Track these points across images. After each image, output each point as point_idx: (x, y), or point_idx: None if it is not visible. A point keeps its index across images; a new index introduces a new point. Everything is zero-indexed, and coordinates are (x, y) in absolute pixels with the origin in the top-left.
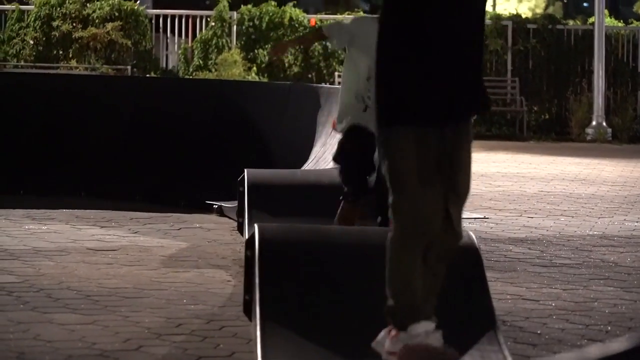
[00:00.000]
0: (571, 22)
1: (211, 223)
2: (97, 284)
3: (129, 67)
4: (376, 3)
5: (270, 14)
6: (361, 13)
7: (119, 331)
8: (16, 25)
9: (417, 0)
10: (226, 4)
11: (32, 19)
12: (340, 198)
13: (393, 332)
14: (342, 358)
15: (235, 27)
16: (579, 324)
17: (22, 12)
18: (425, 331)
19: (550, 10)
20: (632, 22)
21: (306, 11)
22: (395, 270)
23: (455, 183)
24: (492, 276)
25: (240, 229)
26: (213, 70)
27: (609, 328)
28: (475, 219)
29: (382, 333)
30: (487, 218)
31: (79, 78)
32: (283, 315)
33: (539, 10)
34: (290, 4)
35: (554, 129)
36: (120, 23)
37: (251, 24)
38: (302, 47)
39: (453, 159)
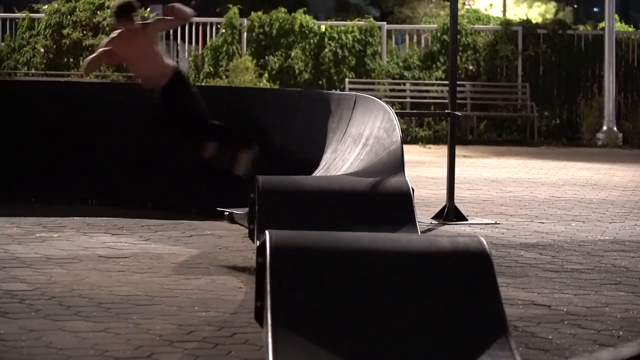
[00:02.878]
0: (581, 27)
1: (222, 230)
2: (108, 291)
3: None
4: (386, 9)
5: (281, 21)
6: (371, 19)
7: (131, 338)
8: (27, 33)
9: None
10: (236, 11)
11: (43, 27)
12: None
13: None
14: None
15: (245, 34)
16: (591, 329)
17: (33, 20)
18: None
19: (561, 15)
20: None
21: (316, 18)
22: None
23: None
24: (503, 282)
25: (252, 235)
26: (224, 77)
27: (621, 333)
28: (486, 225)
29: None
30: (499, 223)
31: (89, 86)
32: (294, 321)
33: (549, 16)
34: (301, 10)
35: (565, 134)
36: None
37: (261, 30)
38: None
39: None
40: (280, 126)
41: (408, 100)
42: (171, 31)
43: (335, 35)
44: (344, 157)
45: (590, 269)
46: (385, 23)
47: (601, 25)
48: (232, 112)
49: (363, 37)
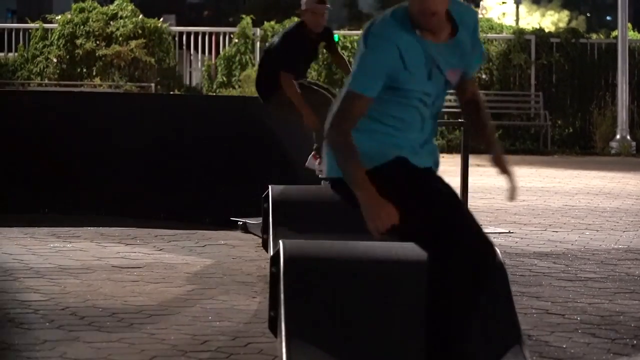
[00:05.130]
0: (594, 36)
1: (236, 240)
2: (122, 301)
3: (152, 85)
4: None
5: None
6: None
7: (145, 349)
8: (40, 43)
9: None
10: (249, 20)
11: (56, 37)
12: None
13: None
14: None
15: (258, 43)
16: (605, 338)
17: (46, 30)
18: None
19: (574, 24)
20: None
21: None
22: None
23: None
24: (517, 290)
25: (265, 245)
26: (237, 87)
27: (635, 342)
28: (499, 234)
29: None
30: (512, 232)
31: (102, 96)
32: (308, 331)
33: (562, 25)
34: None
35: (578, 143)
36: (144, 40)
37: None
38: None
39: None
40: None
41: None
42: (184, 40)
43: (348, 44)
44: None
45: (604, 277)
46: None
47: (614, 33)
48: (246, 122)
49: None
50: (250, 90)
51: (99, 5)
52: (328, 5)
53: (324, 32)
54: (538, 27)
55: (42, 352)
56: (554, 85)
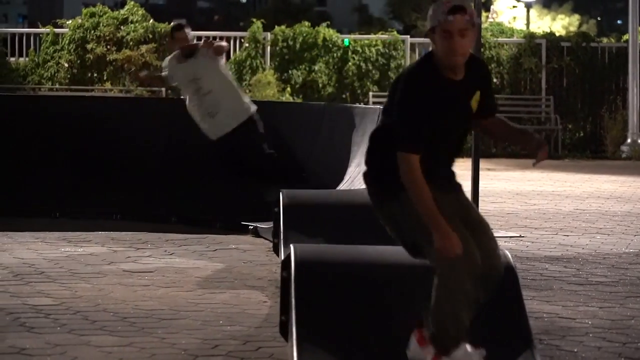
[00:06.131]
0: (605, 40)
1: (247, 244)
2: (133, 305)
3: (163, 89)
4: (409, 23)
5: (304, 35)
6: (395, 33)
7: (156, 353)
8: (51, 48)
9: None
10: (260, 25)
11: (67, 42)
12: None
13: (434, 356)
14: None
15: (269, 48)
16: (616, 342)
17: (57, 35)
18: (465, 352)
19: (584, 28)
20: None
21: (340, 31)
22: (444, 302)
23: (473, 220)
24: (528, 295)
25: (276, 249)
26: (247, 91)
27: None
28: (510, 238)
29: (413, 340)
30: (523, 237)
31: (113, 100)
32: (319, 335)
33: (572, 28)
34: (324, 24)
35: (589, 147)
36: (155, 45)
37: (285, 44)
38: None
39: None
40: (304, 140)
41: None
42: None
43: (358, 48)
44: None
45: (615, 281)
46: (408, 36)
47: (625, 37)
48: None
49: (386, 50)
50: (261, 95)
51: (109, 10)
52: (468, 17)
53: (473, 68)
54: (549, 31)
55: (53, 356)
56: (564, 89)
